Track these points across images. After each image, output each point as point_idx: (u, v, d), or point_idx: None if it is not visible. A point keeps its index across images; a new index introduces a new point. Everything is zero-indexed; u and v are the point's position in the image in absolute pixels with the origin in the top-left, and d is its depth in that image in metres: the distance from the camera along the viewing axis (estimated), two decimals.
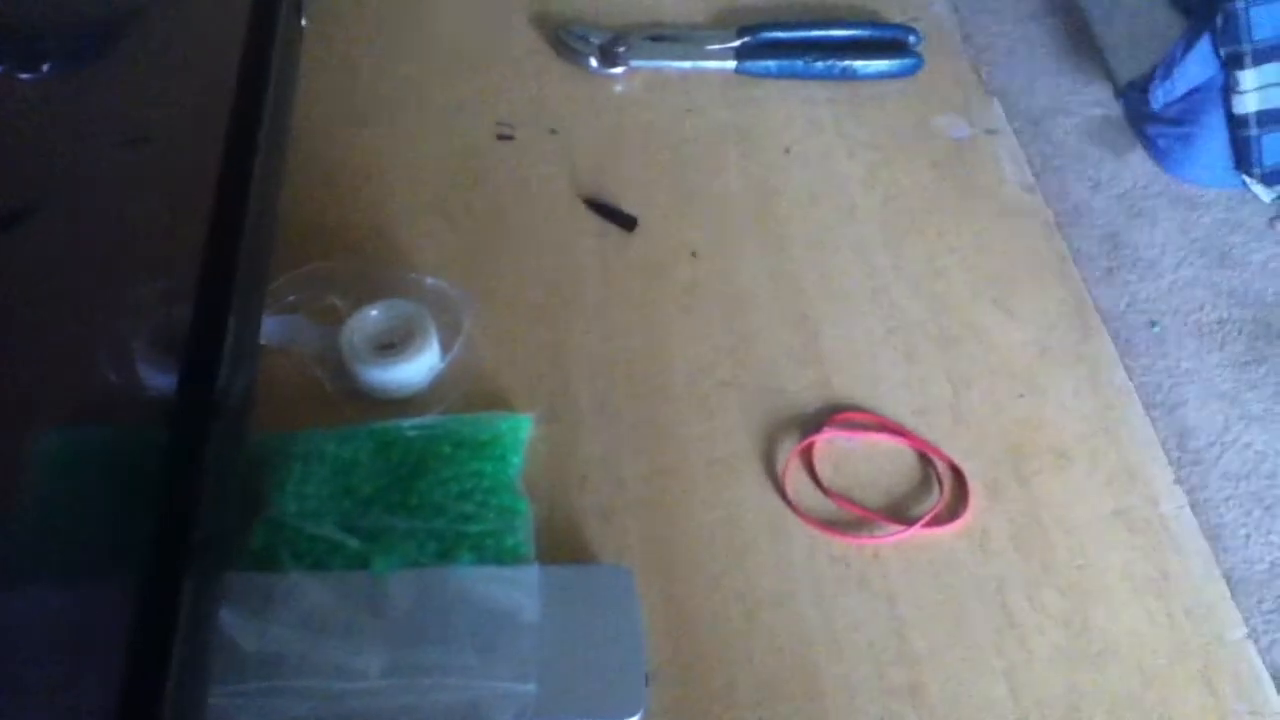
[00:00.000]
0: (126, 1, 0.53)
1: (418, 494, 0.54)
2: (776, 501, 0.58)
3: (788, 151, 0.75)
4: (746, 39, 0.79)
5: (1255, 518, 1.05)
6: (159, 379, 0.48)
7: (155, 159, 0.53)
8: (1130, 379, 0.66)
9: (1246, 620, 0.57)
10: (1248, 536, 1.04)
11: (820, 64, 0.79)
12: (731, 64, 0.79)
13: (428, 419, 0.57)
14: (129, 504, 0.44)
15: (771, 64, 0.79)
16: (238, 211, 0.55)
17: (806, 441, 0.60)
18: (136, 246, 0.49)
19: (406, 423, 0.56)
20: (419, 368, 0.59)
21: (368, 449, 0.55)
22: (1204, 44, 1.24)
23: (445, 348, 0.61)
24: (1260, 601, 0.99)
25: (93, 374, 0.45)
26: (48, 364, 0.42)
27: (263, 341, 0.59)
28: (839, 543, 0.57)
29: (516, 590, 0.50)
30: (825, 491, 0.58)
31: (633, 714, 0.48)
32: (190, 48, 0.60)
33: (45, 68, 0.49)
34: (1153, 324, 1.16)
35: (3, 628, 0.36)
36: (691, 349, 0.64)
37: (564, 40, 0.79)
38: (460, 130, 0.74)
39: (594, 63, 0.78)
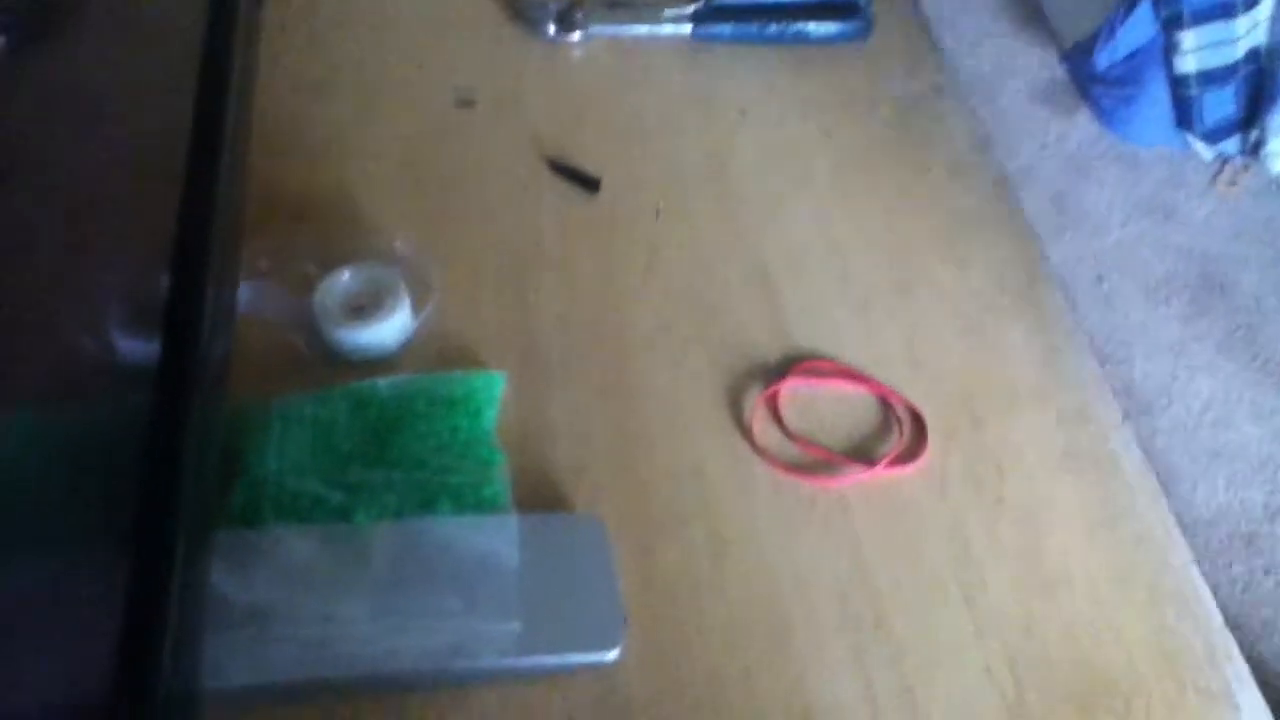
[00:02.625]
0: None
1: (396, 449, 0.55)
2: (743, 447, 0.60)
3: (744, 113, 0.77)
4: (701, 4, 0.81)
5: (1202, 464, 1.09)
6: (141, 349, 0.49)
7: (126, 131, 0.54)
8: (1079, 333, 0.69)
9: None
10: (1195, 482, 1.08)
11: (773, 28, 0.81)
12: (687, 29, 0.80)
13: (402, 378, 0.59)
14: (119, 470, 0.45)
15: (726, 28, 0.81)
16: (209, 181, 0.56)
17: (771, 389, 0.62)
18: (112, 220, 0.50)
19: (382, 382, 0.58)
20: (391, 329, 0.60)
21: (345, 408, 0.56)
22: (1145, 6, 1.27)
23: (416, 309, 0.62)
24: (1206, 543, 1.03)
25: (76, 347, 0.46)
26: (32, 338, 0.43)
27: (238, 309, 0.60)
28: (804, 485, 0.59)
29: (495, 538, 0.52)
30: (790, 436, 0.61)
31: (611, 648, 0.50)
32: (155, 17, 0.60)
33: (3, 41, 0.50)
34: (1100, 279, 1.20)
35: (5, 594, 0.38)
36: (656, 305, 0.66)
37: (521, 8, 0.80)
38: (421, 98, 0.75)
39: (551, 30, 0.79)
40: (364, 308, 0.60)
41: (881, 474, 0.59)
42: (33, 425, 0.41)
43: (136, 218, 0.51)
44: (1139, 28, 1.28)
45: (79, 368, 0.46)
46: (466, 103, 0.75)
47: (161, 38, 0.60)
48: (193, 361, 0.49)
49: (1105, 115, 1.31)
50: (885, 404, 0.62)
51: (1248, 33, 1.26)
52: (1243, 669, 0.55)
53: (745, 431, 0.60)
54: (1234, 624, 0.57)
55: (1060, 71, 1.22)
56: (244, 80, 0.64)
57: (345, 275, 0.61)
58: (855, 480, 0.59)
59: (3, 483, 0.39)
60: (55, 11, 0.53)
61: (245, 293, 0.61)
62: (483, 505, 0.54)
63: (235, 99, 0.60)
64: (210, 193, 0.54)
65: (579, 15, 0.79)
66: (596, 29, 0.80)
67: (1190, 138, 1.31)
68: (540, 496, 0.57)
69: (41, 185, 0.46)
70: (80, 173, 0.49)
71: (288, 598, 0.48)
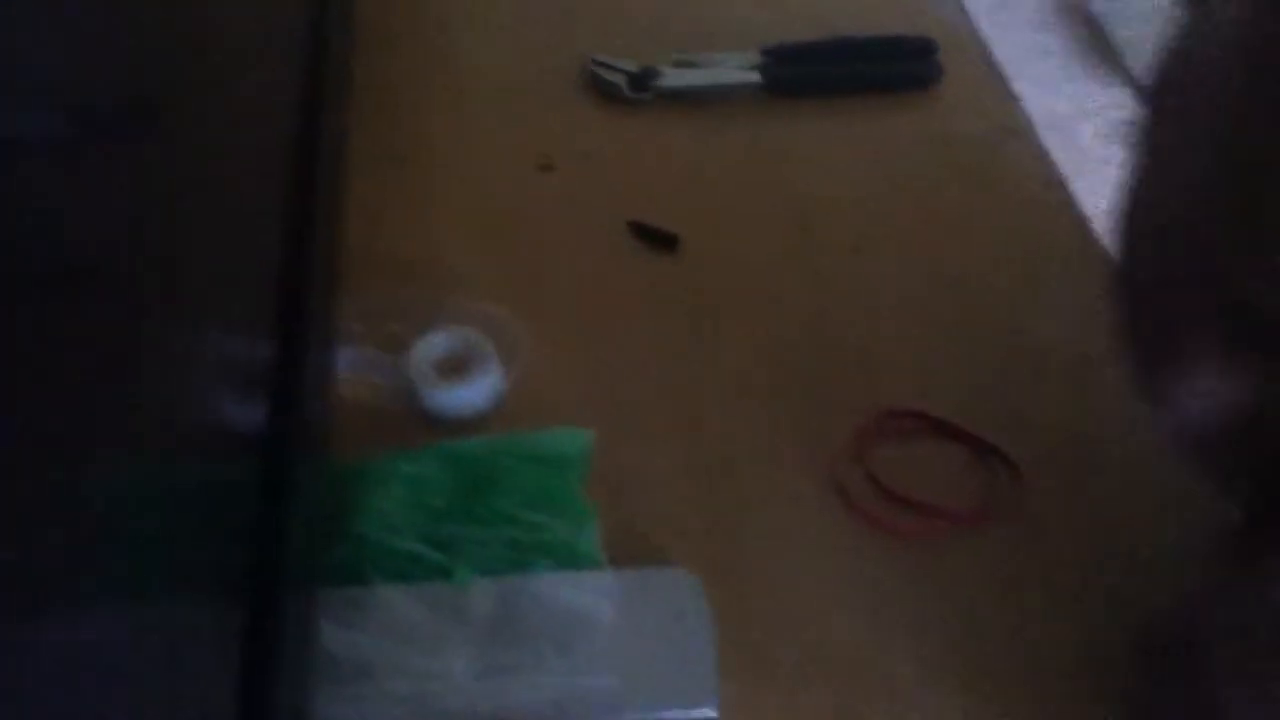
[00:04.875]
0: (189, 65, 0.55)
1: (489, 506, 0.56)
2: (834, 501, 0.60)
3: (819, 164, 0.77)
4: (770, 59, 0.82)
5: None
6: (248, 413, 0.51)
7: (228, 201, 0.56)
8: None
9: None
10: None
11: (844, 78, 0.82)
12: (759, 83, 0.81)
13: (493, 436, 0.60)
14: (228, 532, 0.46)
15: (797, 81, 0.82)
16: (309, 249, 0.58)
17: (860, 442, 0.62)
18: (220, 296, 0.52)
19: (474, 441, 0.59)
20: (482, 389, 0.62)
21: (439, 466, 0.58)
22: None
23: (505, 369, 0.63)
24: None
25: (186, 411, 0.47)
26: (146, 402, 0.45)
27: (336, 371, 0.62)
28: (901, 539, 0.58)
29: (590, 593, 0.53)
30: (881, 489, 0.60)
31: (708, 704, 0.50)
32: (251, 92, 0.63)
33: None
34: None
35: (119, 654, 0.39)
36: (739, 359, 0.66)
37: (594, 71, 0.82)
38: (502, 163, 0.77)
39: (626, 90, 0.81)
40: (456, 369, 0.62)
41: (975, 526, 0.59)
42: (145, 487, 0.43)
43: (240, 286, 0.53)
44: None
45: (188, 431, 0.47)
46: (546, 167, 0.77)
47: (257, 113, 0.62)
48: (297, 423, 0.50)
49: None
50: (978, 454, 0.62)
51: None
52: None
53: (837, 485, 0.60)
54: None
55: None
56: (337, 150, 0.66)
57: (436, 337, 0.63)
58: (948, 533, 0.59)
59: (116, 546, 0.40)
60: (154, 98, 0.55)
61: (341, 355, 0.62)
62: (577, 561, 0.55)
63: (329, 169, 0.62)
64: (310, 260, 0.56)
65: (652, 76, 0.81)
66: (670, 87, 0.81)
67: None
68: (633, 552, 0.57)
69: (148, 258, 0.48)
70: (184, 245, 0.51)
71: (392, 655, 0.49)
